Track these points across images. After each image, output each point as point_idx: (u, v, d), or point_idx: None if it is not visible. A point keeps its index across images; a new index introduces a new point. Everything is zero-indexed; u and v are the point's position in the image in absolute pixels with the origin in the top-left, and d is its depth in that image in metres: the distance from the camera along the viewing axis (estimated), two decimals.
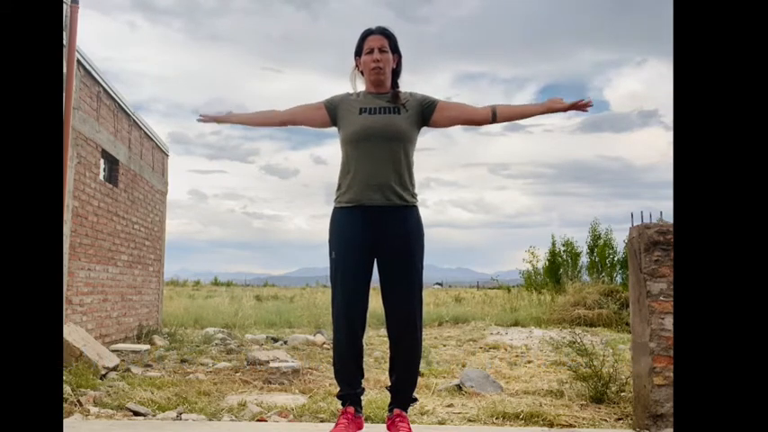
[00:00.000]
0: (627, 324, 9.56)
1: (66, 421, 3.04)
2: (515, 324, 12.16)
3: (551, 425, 3.52)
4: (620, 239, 16.60)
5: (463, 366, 6.18)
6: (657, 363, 2.93)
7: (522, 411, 3.74)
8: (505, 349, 7.97)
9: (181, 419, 3.67)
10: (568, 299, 12.99)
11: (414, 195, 2.62)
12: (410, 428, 2.54)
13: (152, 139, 10.09)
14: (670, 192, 1.62)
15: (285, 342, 8.64)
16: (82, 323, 6.93)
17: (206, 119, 2.82)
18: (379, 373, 5.40)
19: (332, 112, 2.69)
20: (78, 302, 6.98)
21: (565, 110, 2.54)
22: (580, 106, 2.51)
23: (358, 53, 2.69)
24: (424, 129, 2.72)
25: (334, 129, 2.74)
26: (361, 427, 2.59)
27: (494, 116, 2.60)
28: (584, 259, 17.50)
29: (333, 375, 2.69)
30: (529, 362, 6.70)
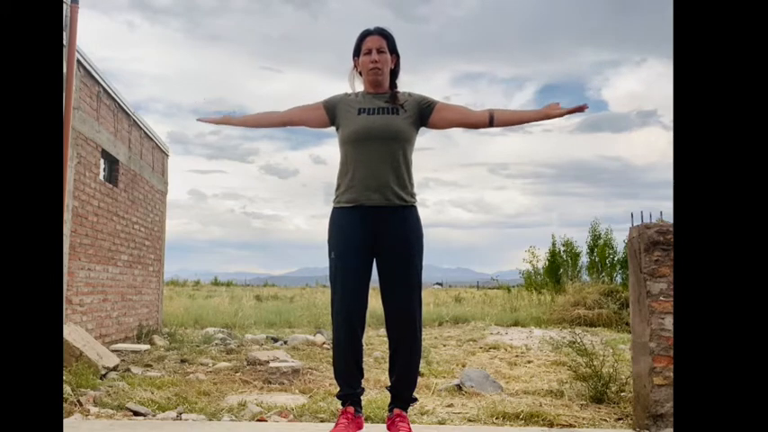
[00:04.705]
0: (627, 324, 9.56)
1: (66, 421, 3.04)
2: (515, 324, 12.16)
3: (551, 425, 3.52)
4: (620, 239, 16.62)
5: (463, 366, 6.18)
6: (657, 363, 2.93)
7: (522, 411, 3.74)
8: (505, 349, 7.97)
9: (181, 419, 3.68)
10: (568, 299, 12.99)
11: (413, 195, 2.63)
12: (410, 428, 2.54)
13: (152, 139, 10.09)
14: (670, 192, 1.62)
15: (285, 342, 8.64)
16: (82, 323, 6.93)
17: (205, 121, 2.83)
18: (379, 373, 5.41)
19: (330, 113, 2.69)
20: (78, 302, 6.98)
21: (561, 115, 2.53)
22: (577, 110, 2.51)
23: (356, 53, 2.69)
24: (423, 128, 2.72)
25: (334, 128, 2.74)
26: (361, 427, 2.59)
27: (491, 121, 2.60)
28: (584, 259, 17.52)
29: (333, 375, 2.69)
30: (529, 362, 6.70)
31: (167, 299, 14.56)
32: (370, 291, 2.64)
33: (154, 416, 3.84)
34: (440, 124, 2.68)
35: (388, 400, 2.67)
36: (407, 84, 2.76)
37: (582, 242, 17.82)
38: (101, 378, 5.21)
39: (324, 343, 8.31)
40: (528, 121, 2.60)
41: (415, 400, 2.69)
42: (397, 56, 2.70)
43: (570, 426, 3.51)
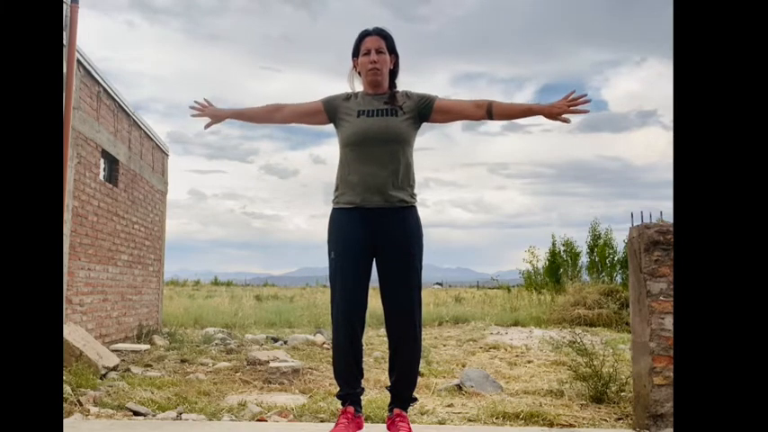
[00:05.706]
0: (627, 324, 9.56)
1: (66, 421, 3.04)
2: (515, 324, 12.15)
3: (551, 425, 3.52)
4: (620, 239, 16.62)
5: (463, 366, 6.18)
6: (657, 363, 2.93)
7: (522, 411, 3.74)
8: (505, 349, 7.97)
9: (181, 419, 3.68)
10: (568, 299, 12.99)
11: (413, 196, 2.62)
12: (410, 428, 2.54)
13: (152, 139, 10.08)
14: (670, 192, 1.63)
15: (285, 342, 8.64)
16: (82, 323, 6.93)
17: (200, 113, 2.80)
18: (379, 373, 5.41)
19: (330, 113, 2.69)
20: (78, 302, 6.98)
21: (563, 120, 2.50)
22: (576, 103, 2.48)
23: (355, 54, 2.69)
24: (423, 128, 2.72)
25: (333, 128, 2.74)
26: (361, 427, 2.59)
27: (490, 116, 2.60)
28: (584, 259, 17.53)
29: (333, 375, 2.69)
30: (529, 362, 6.70)
31: (167, 299, 14.56)
32: (370, 291, 2.64)
33: (154, 416, 3.84)
34: (440, 120, 2.69)
35: (388, 399, 2.67)
36: (408, 84, 2.76)
37: (582, 242, 17.85)
38: (101, 378, 5.21)
39: (324, 343, 8.31)
40: (527, 116, 2.59)
41: (415, 399, 2.70)
42: (396, 56, 2.69)
43: (570, 426, 3.51)
